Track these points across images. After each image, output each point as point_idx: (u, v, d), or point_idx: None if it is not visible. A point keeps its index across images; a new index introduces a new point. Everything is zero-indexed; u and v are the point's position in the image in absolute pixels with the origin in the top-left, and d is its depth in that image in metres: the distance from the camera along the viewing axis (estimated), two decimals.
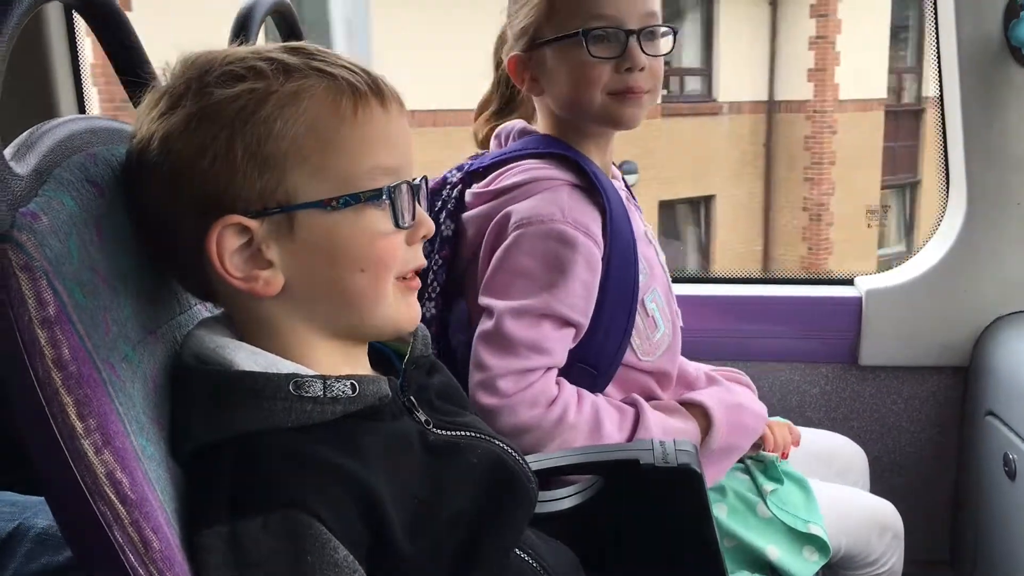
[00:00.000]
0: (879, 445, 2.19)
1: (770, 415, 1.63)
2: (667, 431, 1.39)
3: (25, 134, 0.83)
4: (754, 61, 12.50)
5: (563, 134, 1.49)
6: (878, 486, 1.87)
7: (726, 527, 1.46)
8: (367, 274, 0.88)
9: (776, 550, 1.44)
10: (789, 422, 1.64)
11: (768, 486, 1.51)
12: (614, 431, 1.38)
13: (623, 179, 1.62)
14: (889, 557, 1.61)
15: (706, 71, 12.25)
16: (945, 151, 2.10)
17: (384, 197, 0.87)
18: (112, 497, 0.73)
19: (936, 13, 2.02)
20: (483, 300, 1.39)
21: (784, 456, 1.55)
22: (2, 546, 1.08)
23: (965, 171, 2.02)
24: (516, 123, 1.55)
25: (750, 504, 1.50)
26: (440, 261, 1.49)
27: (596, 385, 1.45)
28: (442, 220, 1.50)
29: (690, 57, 12.12)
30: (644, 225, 1.57)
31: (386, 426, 0.90)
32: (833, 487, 1.66)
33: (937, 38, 2.04)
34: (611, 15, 1.39)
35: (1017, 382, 1.89)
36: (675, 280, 1.66)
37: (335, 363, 0.91)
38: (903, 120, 13.71)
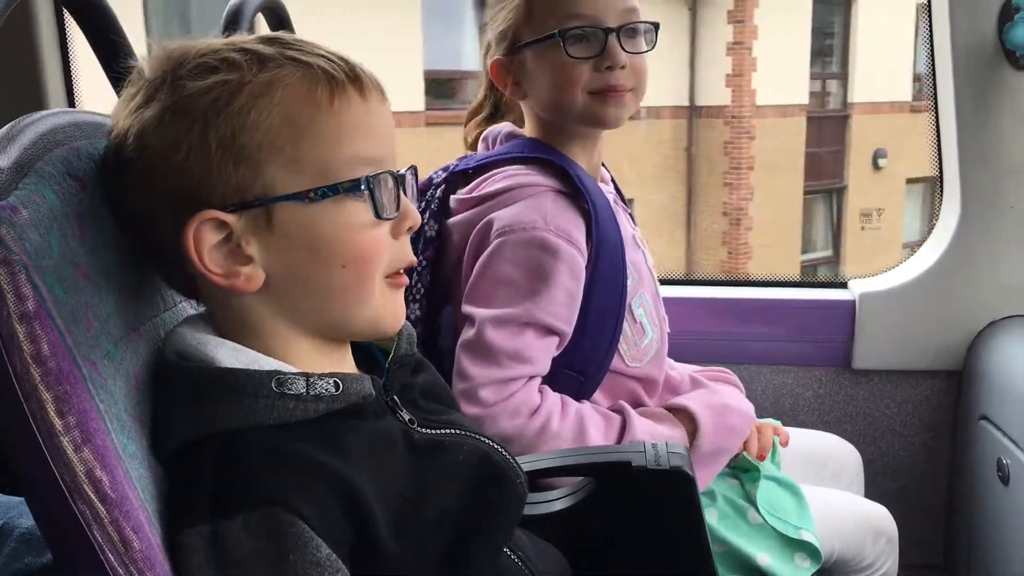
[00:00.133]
0: (872, 449, 2.18)
1: (763, 418, 1.62)
2: (654, 437, 1.38)
3: (7, 127, 0.81)
4: (674, 66, 12.61)
5: (549, 137, 1.48)
6: (872, 490, 1.86)
7: (716, 533, 1.45)
8: (350, 270, 0.86)
9: (767, 556, 1.43)
10: (778, 423, 1.63)
11: (754, 489, 1.49)
12: (599, 439, 1.36)
13: (613, 181, 1.61)
14: (883, 563, 1.60)
15: None
16: (939, 154, 2.10)
17: (363, 187, 0.85)
18: (91, 495, 0.72)
19: (930, 16, 2.01)
20: (465, 308, 1.38)
21: (761, 458, 1.53)
22: None
23: (959, 174, 2.01)
24: (503, 126, 1.54)
25: (740, 510, 1.48)
26: (424, 262, 1.48)
27: (583, 391, 1.44)
28: (426, 220, 1.49)
29: None
30: (633, 229, 1.55)
31: (369, 425, 0.89)
32: (827, 491, 1.65)
33: (931, 41, 2.03)
34: (588, 14, 1.38)
35: (1011, 386, 1.89)
36: (669, 283, 1.66)
37: (318, 360, 0.89)
38: (828, 126, 13.99)
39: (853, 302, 2.13)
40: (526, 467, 1.19)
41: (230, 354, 0.85)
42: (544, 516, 1.22)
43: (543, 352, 1.37)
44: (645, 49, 1.43)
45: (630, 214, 1.61)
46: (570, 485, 1.25)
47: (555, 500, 1.23)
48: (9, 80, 1.92)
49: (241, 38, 0.87)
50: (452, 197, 1.49)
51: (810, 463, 1.73)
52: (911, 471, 2.20)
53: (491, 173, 1.45)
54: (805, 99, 13.32)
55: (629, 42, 1.40)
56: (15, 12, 0.77)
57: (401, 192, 0.89)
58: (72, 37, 2.03)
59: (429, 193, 1.52)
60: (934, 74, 2.04)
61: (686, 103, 12.87)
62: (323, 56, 0.85)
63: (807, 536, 1.44)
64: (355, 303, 0.88)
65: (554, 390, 1.39)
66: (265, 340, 0.88)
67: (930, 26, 2.02)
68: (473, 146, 1.62)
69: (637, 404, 1.48)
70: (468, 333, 1.36)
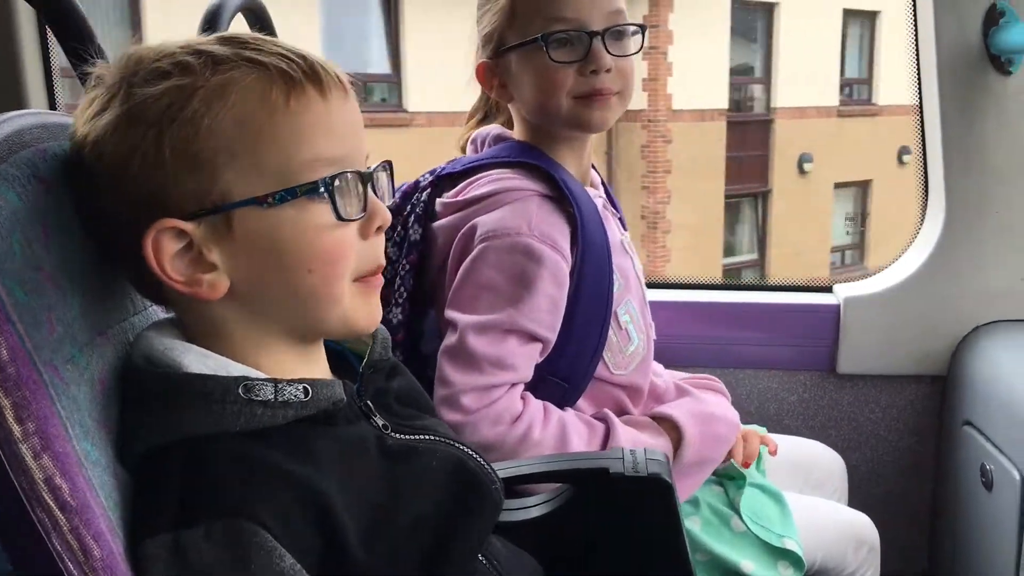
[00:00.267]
0: (857, 454, 2.17)
1: (748, 423, 1.61)
2: (638, 446, 1.37)
3: None
4: None
5: (537, 139, 1.46)
6: (856, 495, 1.85)
7: (700, 541, 1.44)
8: (316, 274, 0.85)
9: (751, 564, 1.42)
10: (764, 430, 1.62)
11: (738, 496, 1.48)
12: (582, 447, 1.35)
13: (603, 185, 1.60)
14: (865, 571, 1.59)
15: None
16: (924, 159, 2.09)
17: (322, 190, 0.83)
18: (50, 503, 0.71)
19: (915, 20, 2.01)
20: (448, 314, 1.37)
21: (746, 465, 1.52)
22: None
23: (944, 179, 2.01)
24: (491, 128, 1.53)
25: (724, 517, 1.47)
26: (407, 266, 1.46)
27: (567, 399, 1.42)
28: (411, 224, 1.47)
29: None
30: (621, 234, 1.54)
31: (340, 431, 0.88)
32: (810, 499, 1.64)
33: (917, 45, 2.03)
34: (572, 17, 1.36)
35: (995, 392, 1.88)
36: (654, 286, 1.65)
37: (289, 365, 0.88)
38: (751, 130, 14.17)
39: (838, 306, 2.12)
40: (504, 474, 1.18)
41: (197, 359, 0.84)
42: (522, 523, 1.20)
43: (525, 359, 1.35)
44: (632, 51, 1.42)
45: (620, 218, 1.59)
46: (548, 492, 1.24)
47: (532, 507, 1.22)
48: None
49: (199, 39, 0.85)
50: (437, 200, 1.47)
51: (795, 471, 1.72)
52: (896, 477, 2.19)
53: (476, 177, 1.44)
54: (725, 104, 13.47)
55: (615, 45, 1.38)
56: None
57: (370, 190, 0.88)
58: (53, 38, 2.02)
59: (415, 197, 1.50)
60: (919, 78, 2.04)
61: None
62: (281, 55, 0.83)
63: (790, 544, 1.43)
64: (324, 306, 0.87)
65: (538, 397, 1.38)
66: (234, 345, 0.87)
67: (915, 30, 2.02)
68: (464, 148, 1.60)
69: (622, 412, 1.47)
70: (450, 339, 1.34)
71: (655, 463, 1.18)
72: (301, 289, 0.85)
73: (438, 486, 0.93)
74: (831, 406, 2.18)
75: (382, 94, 11.43)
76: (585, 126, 1.43)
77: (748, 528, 1.45)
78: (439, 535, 0.90)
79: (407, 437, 0.95)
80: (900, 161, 14.97)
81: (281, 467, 0.79)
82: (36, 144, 0.85)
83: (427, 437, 0.97)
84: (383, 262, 0.92)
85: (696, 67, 12.49)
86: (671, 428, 1.44)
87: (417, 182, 1.53)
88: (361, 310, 0.89)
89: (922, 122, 2.06)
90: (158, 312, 0.99)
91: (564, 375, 1.41)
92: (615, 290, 1.43)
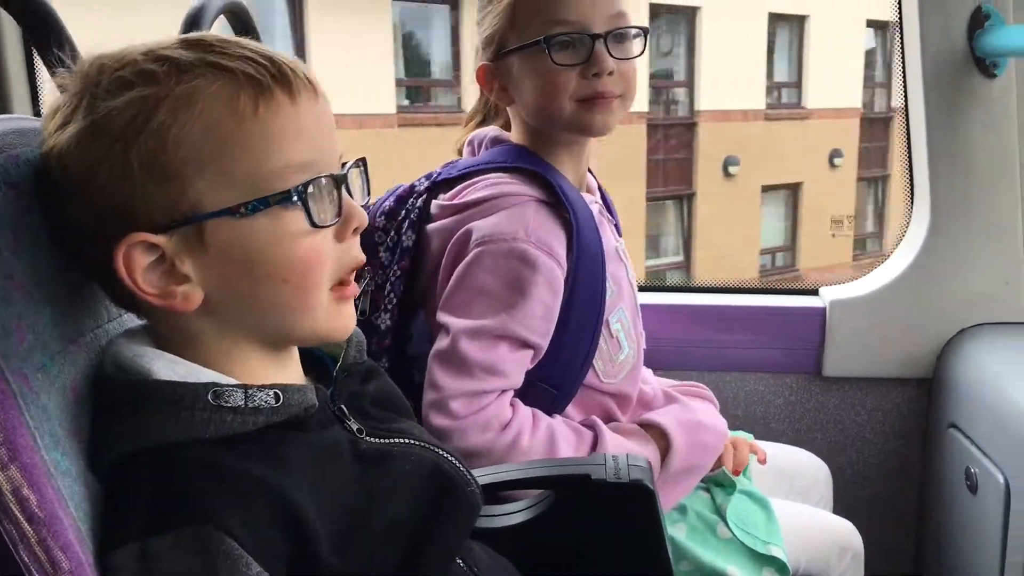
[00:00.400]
0: (843, 457, 2.17)
1: (734, 426, 1.60)
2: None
3: None
4: None
5: (535, 143, 1.45)
6: (841, 498, 1.85)
7: (685, 547, 1.43)
8: (291, 284, 0.83)
9: (736, 570, 1.41)
10: (751, 438, 1.62)
11: (726, 503, 1.48)
12: (570, 455, 1.34)
13: (600, 190, 1.59)
14: None
15: (455, 83, 12.60)
16: (910, 161, 2.09)
17: (295, 198, 0.81)
18: (18, 515, 0.70)
19: (901, 22, 2.01)
20: (440, 317, 1.35)
21: (736, 473, 1.52)
22: None
23: (929, 182, 2.01)
24: (488, 130, 1.52)
25: (710, 524, 1.47)
26: (399, 272, 1.45)
27: (556, 405, 1.42)
28: (404, 230, 1.46)
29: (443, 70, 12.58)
30: (616, 241, 1.53)
31: (313, 436, 0.87)
32: (795, 506, 1.63)
33: (902, 48, 2.03)
34: (574, 20, 1.35)
35: (979, 395, 1.88)
36: (640, 290, 1.64)
37: (262, 370, 0.87)
38: (674, 133, 14.25)
39: (824, 309, 2.12)
40: (486, 480, 1.17)
41: (167, 366, 0.82)
42: (503, 529, 1.20)
43: (517, 366, 1.35)
44: (634, 54, 1.41)
45: (615, 225, 1.58)
46: (530, 498, 1.24)
47: (514, 513, 1.22)
48: None
49: (162, 43, 0.83)
50: (433, 202, 1.46)
51: (780, 478, 1.71)
52: (882, 480, 2.19)
53: (474, 180, 1.43)
54: (645, 107, 13.49)
55: (617, 47, 1.37)
56: None
57: (345, 192, 0.86)
58: None
59: (410, 202, 1.48)
60: (905, 81, 2.04)
61: None
62: (248, 58, 0.81)
63: (776, 551, 1.43)
64: (299, 316, 0.86)
65: (527, 403, 1.37)
66: (206, 353, 0.85)
67: (901, 33, 2.02)
68: (460, 150, 1.59)
69: (610, 420, 1.46)
70: (442, 343, 1.33)
71: (637, 469, 1.17)
72: (277, 299, 0.84)
73: (413, 490, 0.92)
74: (817, 409, 2.18)
75: None
76: (586, 130, 1.42)
77: (734, 535, 1.44)
78: (415, 539, 0.90)
79: (382, 441, 0.94)
80: (831, 164, 15.08)
81: (251, 474, 0.79)
82: (9, 150, 0.84)
83: (402, 441, 0.96)
84: (362, 259, 0.90)
85: None
86: (659, 436, 1.43)
87: (413, 186, 1.51)
88: (336, 319, 0.88)
89: (907, 125, 2.06)
90: (133, 319, 0.98)
91: (554, 382, 1.40)
92: (608, 297, 1.41)
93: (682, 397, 1.57)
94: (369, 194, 0.93)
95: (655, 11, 13.29)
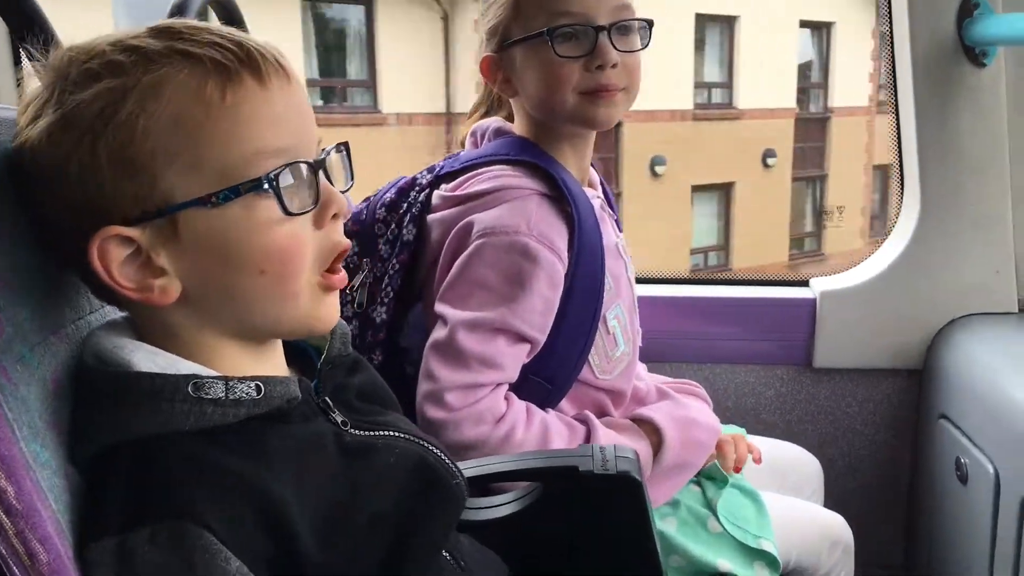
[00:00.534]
0: (833, 448, 2.17)
1: (725, 418, 1.60)
2: None
3: None
4: (429, 74, 12.80)
5: (538, 135, 1.45)
6: (832, 490, 1.85)
7: (676, 541, 1.43)
8: (269, 275, 0.82)
9: (727, 564, 1.41)
10: (743, 431, 1.61)
11: (717, 497, 1.47)
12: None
13: (602, 185, 1.58)
14: (839, 571, 1.59)
15: (371, 84, 12.55)
16: (899, 152, 2.09)
17: (266, 185, 0.80)
18: None
19: (890, 12, 2.00)
20: (439, 308, 1.35)
21: (737, 470, 1.52)
22: None
23: (919, 172, 2.00)
24: (491, 121, 1.51)
25: (701, 518, 1.46)
26: (397, 265, 1.44)
27: (550, 400, 1.41)
28: (405, 223, 1.45)
29: (357, 70, 12.56)
30: (616, 236, 1.52)
31: (296, 428, 0.86)
32: (786, 500, 1.63)
33: (891, 38, 2.02)
34: (578, 11, 1.34)
35: (969, 385, 1.88)
36: None
37: (244, 363, 0.86)
38: (599, 133, 14.01)
39: (814, 300, 2.12)
40: (473, 472, 1.17)
41: (147, 358, 0.81)
42: (491, 522, 1.19)
43: (513, 359, 1.34)
44: (639, 47, 1.40)
45: (616, 220, 1.58)
46: (518, 490, 1.23)
47: (502, 505, 1.21)
48: None
49: (130, 33, 0.81)
50: (435, 193, 1.45)
51: (772, 473, 1.71)
52: (872, 471, 2.19)
53: (476, 172, 1.42)
54: None
55: (621, 40, 1.37)
56: None
57: (323, 177, 0.85)
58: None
59: (412, 195, 1.48)
60: (894, 71, 2.03)
61: (443, 110, 12.97)
62: (216, 44, 0.79)
63: (766, 545, 1.43)
64: (280, 306, 0.85)
65: (521, 397, 1.37)
66: (186, 345, 0.84)
67: (890, 23, 2.01)
68: (462, 142, 1.58)
69: (603, 415, 1.46)
70: (439, 333, 1.33)
71: (625, 461, 1.17)
72: (255, 290, 0.83)
73: (398, 482, 0.91)
74: (808, 400, 2.18)
75: None
76: (590, 122, 1.41)
77: (724, 529, 1.44)
78: (400, 532, 0.89)
79: (366, 433, 0.93)
80: (765, 164, 15.05)
81: (231, 467, 0.78)
82: None
83: (387, 433, 0.95)
84: (346, 244, 0.88)
85: None
86: (652, 431, 1.43)
87: (415, 179, 1.50)
88: (319, 310, 0.87)
89: (897, 115, 2.06)
90: (115, 311, 0.97)
91: (548, 376, 1.40)
92: (605, 294, 1.41)
93: (675, 394, 1.56)
94: (353, 179, 0.91)
95: None
